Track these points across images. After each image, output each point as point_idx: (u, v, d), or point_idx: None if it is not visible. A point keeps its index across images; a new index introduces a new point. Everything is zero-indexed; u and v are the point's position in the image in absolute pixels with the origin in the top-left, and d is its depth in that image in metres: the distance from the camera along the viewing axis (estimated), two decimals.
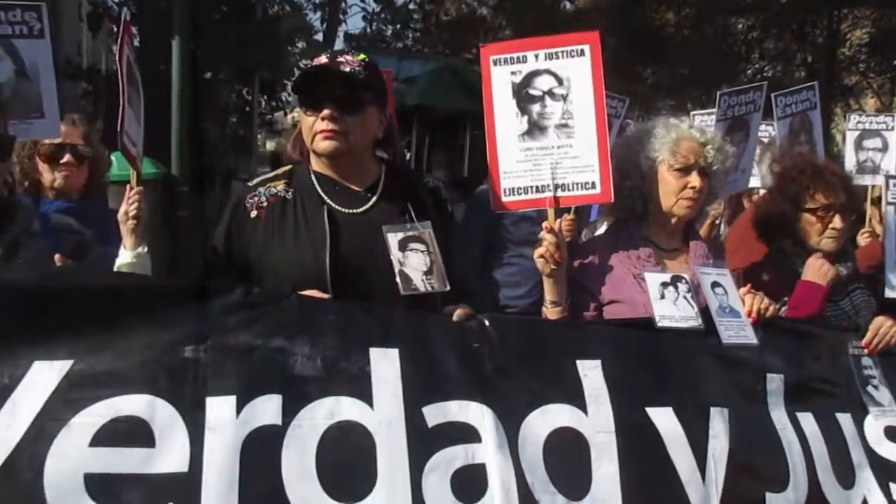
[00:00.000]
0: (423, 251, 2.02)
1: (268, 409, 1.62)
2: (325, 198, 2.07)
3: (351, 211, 2.07)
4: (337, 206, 2.06)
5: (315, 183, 2.09)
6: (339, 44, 16.22)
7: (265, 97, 20.95)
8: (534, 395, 1.87)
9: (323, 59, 2.03)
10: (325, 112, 1.96)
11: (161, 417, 1.56)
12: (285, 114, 28.08)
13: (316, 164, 2.11)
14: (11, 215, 1.86)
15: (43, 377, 1.54)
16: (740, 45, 16.90)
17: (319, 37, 15.15)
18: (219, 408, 1.60)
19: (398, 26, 15.00)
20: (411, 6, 16.54)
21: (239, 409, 1.61)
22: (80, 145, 2.73)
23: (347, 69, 1.98)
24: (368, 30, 16.48)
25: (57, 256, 1.76)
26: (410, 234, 2.03)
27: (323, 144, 1.99)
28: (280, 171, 2.17)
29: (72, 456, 1.49)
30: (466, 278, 2.24)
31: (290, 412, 1.64)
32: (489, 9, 18.34)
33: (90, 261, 1.98)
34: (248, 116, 21.51)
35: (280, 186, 2.10)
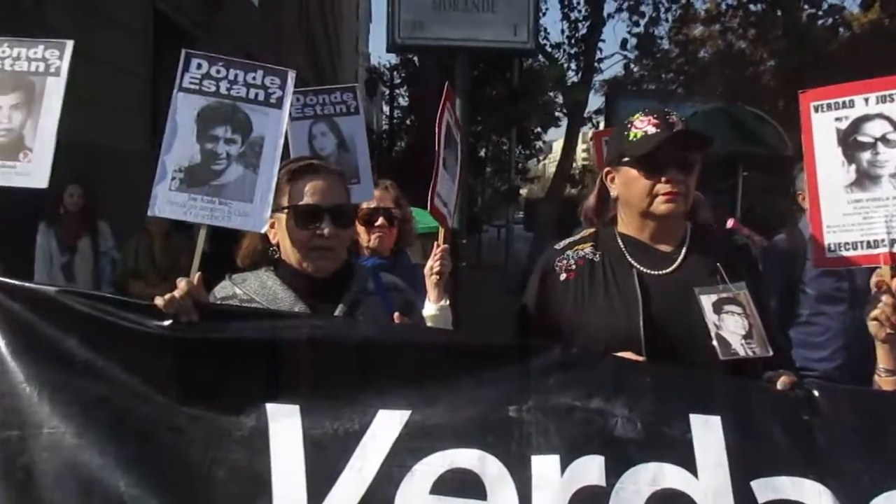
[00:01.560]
0: (739, 314, 1.93)
1: (591, 469, 1.64)
2: (632, 259, 2.07)
3: (659, 272, 2.04)
4: (645, 269, 2.05)
5: (621, 245, 2.10)
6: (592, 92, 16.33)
7: (520, 147, 21.81)
8: (875, 477, 1.68)
9: (651, 120, 2.03)
10: (671, 175, 1.97)
11: (491, 472, 1.64)
12: (538, 161, 29.02)
13: (624, 226, 2.12)
14: (352, 276, 2.08)
15: (387, 425, 1.70)
16: None
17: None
18: (544, 466, 1.65)
19: (661, 71, 14.75)
20: (666, 46, 16.21)
21: (563, 468, 1.64)
22: (392, 209, 3.02)
23: (680, 128, 1.99)
24: (621, 74, 16.43)
25: (396, 315, 1.94)
26: (724, 295, 1.95)
27: (665, 207, 1.99)
28: (585, 233, 2.21)
29: (415, 501, 1.62)
30: (783, 342, 2.09)
31: (613, 474, 1.63)
32: (748, 42, 17.38)
33: (416, 318, 2.15)
34: (503, 166, 22.53)
35: (587, 249, 2.13)
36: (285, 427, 1.70)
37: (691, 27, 17.48)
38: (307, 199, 1.96)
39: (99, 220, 7.08)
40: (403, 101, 25.86)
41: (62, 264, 6.77)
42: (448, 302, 2.73)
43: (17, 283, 1.85)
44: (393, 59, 25.96)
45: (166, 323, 1.74)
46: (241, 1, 17.69)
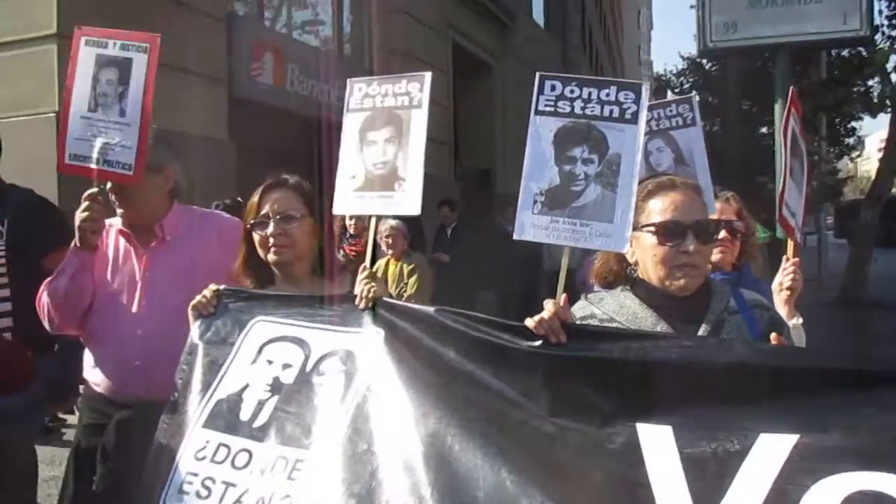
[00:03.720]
0: None
1: None
2: None
3: None
4: None
5: None
6: None
7: (829, 146, 19.68)
8: None
9: None
10: None
11: None
12: (851, 160, 25.89)
13: None
14: (711, 294, 1.99)
15: (773, 447, 1.60)
16: None
17: None
18: None
19: None
20: None
21: None
22: (735, 221, 2.85)
23: None
24: None
25: (773, 335, 1.81)
26: None
27: None
28: None
29: None
30: None
31: None
32: None
33: (786, 334, 1.99)
34: (812, 165, 20.44)
35: None
36: (658, 446, 1.67)
37: None
38: (668, 216, 1.91)
39: None
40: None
41: None
42: (801, 320, 2.51)
43: (400, 303, 2.08)
44: (680, 64, 25.12)
45: (536, 343, 1.80)
46: (529, 25, 18.36)
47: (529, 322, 1.81)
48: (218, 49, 8.55)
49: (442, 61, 13.21)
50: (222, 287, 2.27)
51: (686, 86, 23.89)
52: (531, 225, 1.96)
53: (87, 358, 2.65)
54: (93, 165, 2.45)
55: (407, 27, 12.45)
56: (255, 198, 2.35)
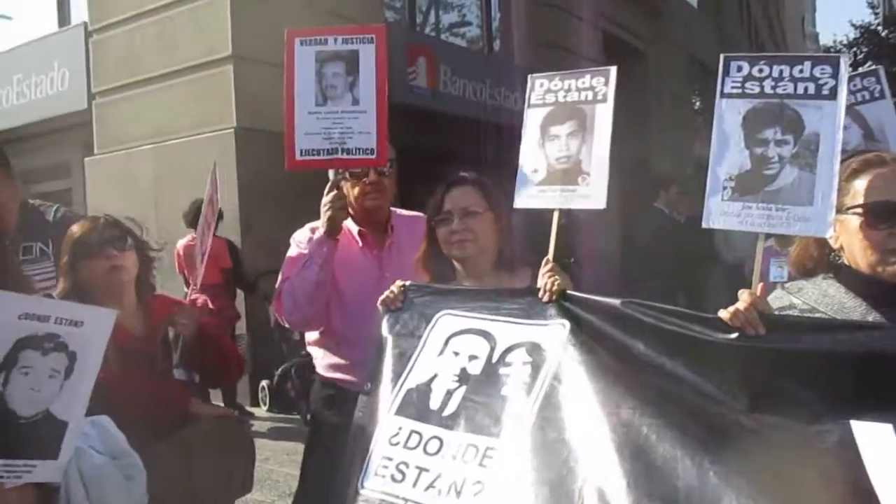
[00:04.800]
0: None
1: None
2: None
3: None
4: None
5: None
6: None
7: None
8: None
9: None
10: None
11: None
12: None
13: None
14: None
15: None
16: None
17: None
18: None
19: None
20: None
21: None
22: None
23: None
24: None
25: None
26: None
27: None
28: None
29: None
30: None
31: None
32: None
33: None
34: None
35: None
36: (879, 446, 1.55)
37: None
38: (879, 196, 1.77)
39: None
40: None
41: None
42: None
43: (585, 296, 2.05)
44: (851, 33, 23.29)
45: (732, 336, 1.73)
46: (681, 6, 17.61)
47: (724, 314, 1.74)
48: None
49: (594, 51, 12.95)
50: (408, 283, 2.36)
51: (859, 56, 22.06)
52: (720, 212, 1.89)
53: (326, 358, 2.77)
54: (329, 157, 2.53)
55: (556, 20, 12.34)
56: (438, 195, 2.43)
